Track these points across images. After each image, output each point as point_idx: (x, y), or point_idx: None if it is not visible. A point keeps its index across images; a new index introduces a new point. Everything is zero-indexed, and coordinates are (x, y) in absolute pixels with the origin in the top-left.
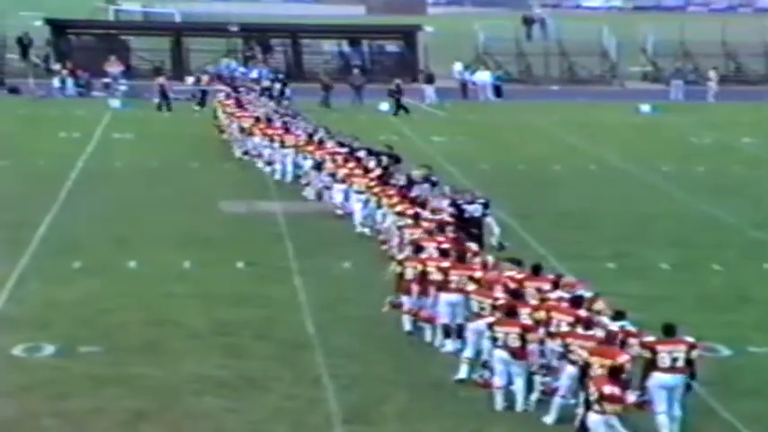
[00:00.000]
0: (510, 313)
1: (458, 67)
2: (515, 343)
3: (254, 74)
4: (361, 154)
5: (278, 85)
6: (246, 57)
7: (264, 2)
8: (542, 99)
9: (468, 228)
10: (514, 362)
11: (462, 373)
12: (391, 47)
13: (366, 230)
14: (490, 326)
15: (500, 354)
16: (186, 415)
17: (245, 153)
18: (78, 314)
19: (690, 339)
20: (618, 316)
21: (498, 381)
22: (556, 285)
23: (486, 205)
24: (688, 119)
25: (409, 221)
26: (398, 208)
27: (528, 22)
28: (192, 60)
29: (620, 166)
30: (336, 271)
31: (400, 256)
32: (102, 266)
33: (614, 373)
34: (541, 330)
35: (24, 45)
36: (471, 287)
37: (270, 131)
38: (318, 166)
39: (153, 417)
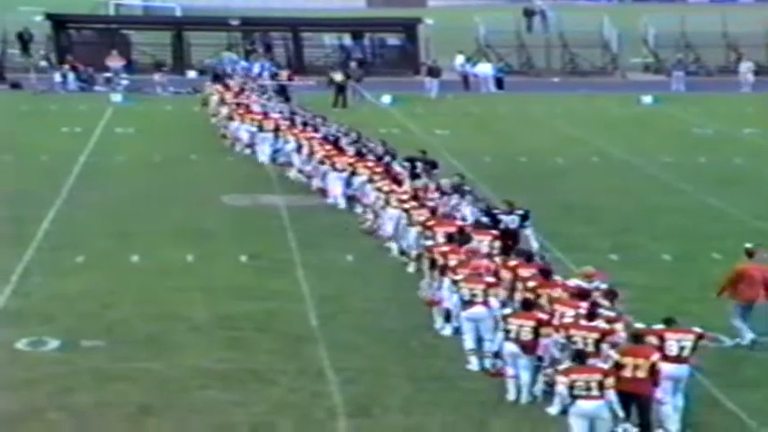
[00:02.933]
0: (526, 306)
1: (459, 59)
2: (528, 336)
3: (257, 68)
4: (395, 163)
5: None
6: (248, 51)
7: None
8: (544, 91)
9: (504, 239)
10: (524, 355)
11: (474, 365)
12: (393, 40)
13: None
14: (504, 318)
15: (510, 347)
16: (191, 408)
17: (224, 136)
18: (82, 308)
19: (698, 330)
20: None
21: (511, 370)
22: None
23: (524, 217)
24: (690, 110)
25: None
26: (378, 184)
27: (529, 14)
28: (194, 54)
29: (621, 157)
30: (339, 264)
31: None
32: (105, 260)
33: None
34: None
35: (25, 40)
36: (460, 276)
37: (250, 116)
38: (299, 149)
39: (157, 411)
